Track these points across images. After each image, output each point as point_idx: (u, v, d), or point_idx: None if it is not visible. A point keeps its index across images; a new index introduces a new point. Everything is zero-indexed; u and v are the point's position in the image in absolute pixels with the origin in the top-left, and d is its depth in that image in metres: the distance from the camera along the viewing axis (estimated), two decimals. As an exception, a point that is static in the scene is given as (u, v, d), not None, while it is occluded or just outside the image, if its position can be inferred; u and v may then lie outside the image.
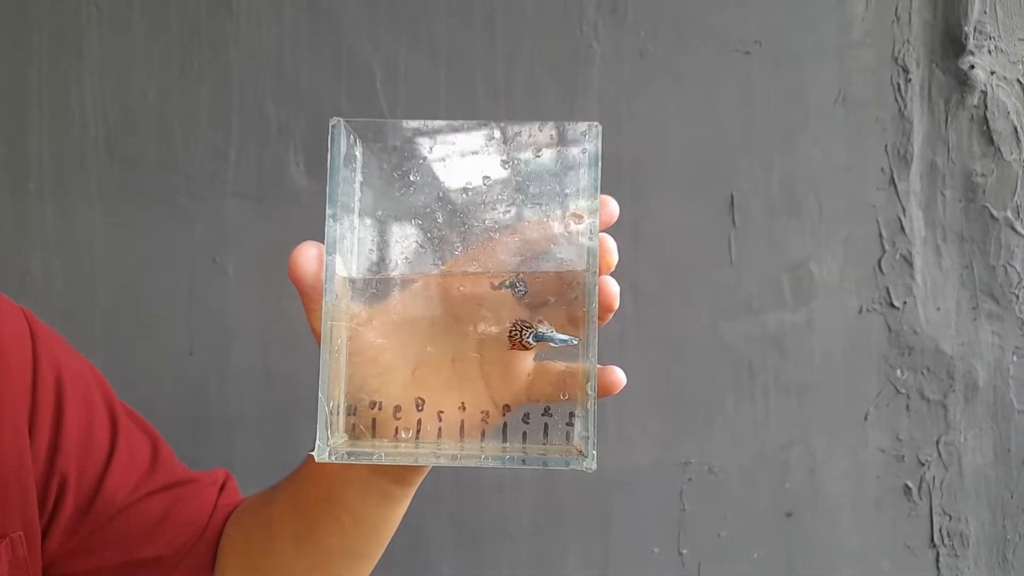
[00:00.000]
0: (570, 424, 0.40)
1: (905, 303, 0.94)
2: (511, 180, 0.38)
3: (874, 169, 0.94)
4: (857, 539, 0.95)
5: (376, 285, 0.40)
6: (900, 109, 0.94)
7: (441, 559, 0.91)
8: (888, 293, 0.95)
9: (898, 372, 0.95)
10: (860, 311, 0.94)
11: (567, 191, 0.39)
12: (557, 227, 0.38)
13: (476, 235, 0.39)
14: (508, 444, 0.40)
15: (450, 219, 0.39)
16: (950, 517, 0.96)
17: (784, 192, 0.94)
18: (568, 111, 0.92)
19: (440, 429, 0.40)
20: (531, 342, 0.39)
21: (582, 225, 0.38)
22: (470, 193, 0.39)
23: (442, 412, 0.40)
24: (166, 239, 0.90)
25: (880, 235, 0.94)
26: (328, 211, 0.39)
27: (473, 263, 0.39)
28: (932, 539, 0.96)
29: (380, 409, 0.40)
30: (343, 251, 0.39)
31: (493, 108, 0.92)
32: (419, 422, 0.40)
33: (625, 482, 0.94)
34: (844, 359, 0.94)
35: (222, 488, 0.60)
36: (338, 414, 0.40)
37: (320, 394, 0.38)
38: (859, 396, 0.94)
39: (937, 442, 0.95)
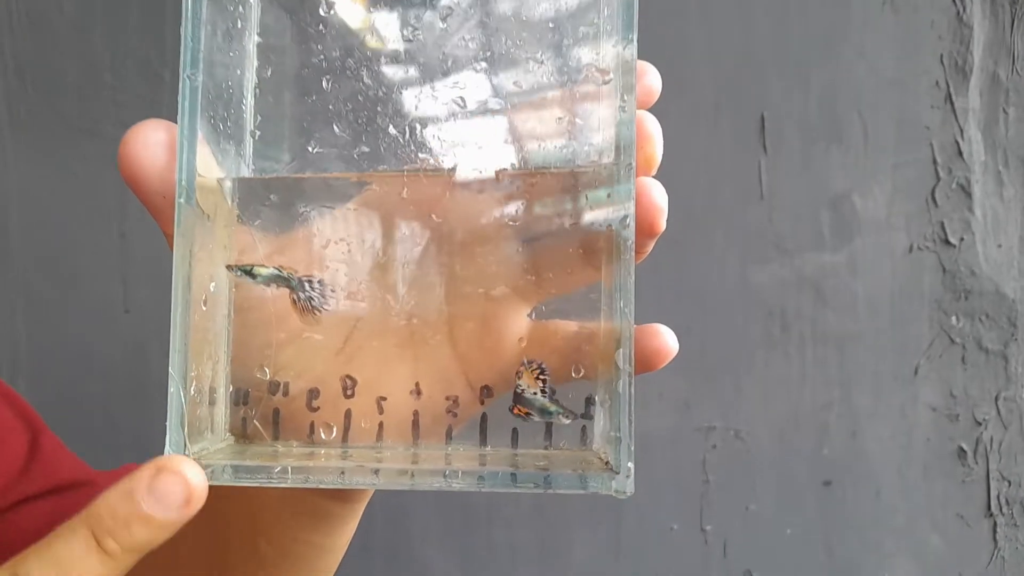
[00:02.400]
0: (587, 416, 0.24)
1: (962, 240, 0.79)
2: (482, 18, 0.22)
3: (927, 84, 0.78)
4: (903, 510, 0.81)
5: (274, 194, 0.24)
6: (958, 12, 0.78)
7: (427, 547, 0.76)
8: (943, 229, 0.79)
9: (953, 319, 0.80)
10: (910, 250, 0.79)
11: (580, 34, 0.22)
12: (564, 95, 0.22)
13: (433, 112, 0.22)
14: (489, 450, 0.24)
15: (386, 84, 0.22)
16: (1009, 483, 0.82)
17: (823, 113, 0.77)
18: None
19: (382, 425, 0.24)
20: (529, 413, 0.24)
21: (607, 87, 0.22)
22: (417, 42, 0.22)
23: (384, 399, 0.24)
24: (92, 176, 0.74)
25: (934, 161, 0.79)
26: (185, 71, 0.22)
27: (426, 155, 0.22)
28: (988, 507, 0.82)
29: (286, 394, 0.24)
30: (211, 135, 0.23)
31: None
32: (348, 415, 0.24)
33: (639, 451, 0.79)
34: (891, 305, 0.79)
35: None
36: (213, 403, 0.24)
37: (172, 371, 0.22)
38: (908, 347, 0.79)
39: (996, 398, 0.80)
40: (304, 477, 0.23)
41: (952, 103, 0.79)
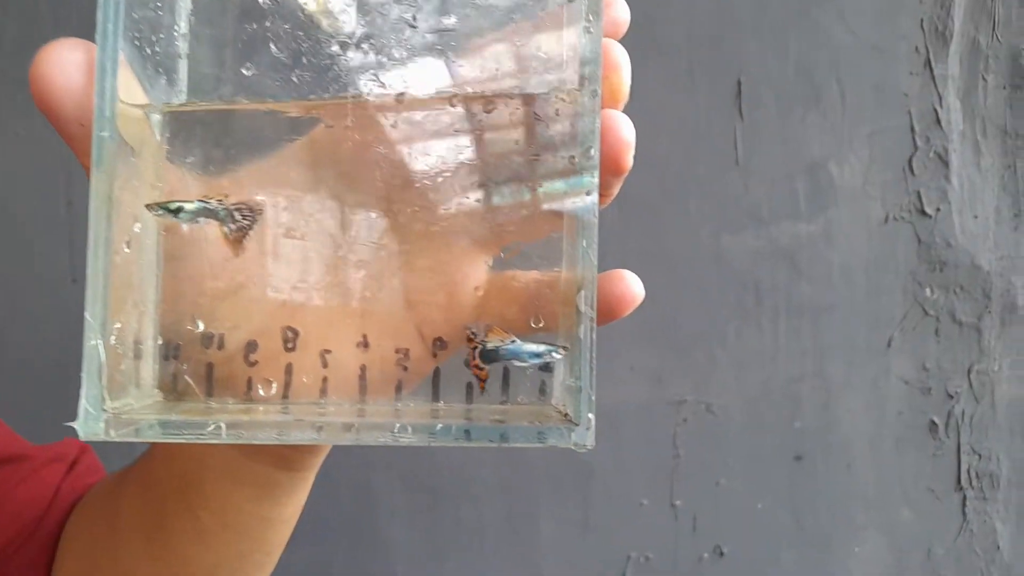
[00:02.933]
0: (547, 369, 0.22)
1: (938, 210, 0.79)
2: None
3: (907, 49, 0.77)
4: (874, 484, 0.81)
5: (207, 127, 0.22)
6: (938, -24, 0.77)
7: (392, 524, 0.75)
8: (919, 198, 0.79)
9: (927, 291, 0.80)
10: (886, 220, 0.78)
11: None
12: (525, 15, 0.20)
13: (380, 31, 0.20)
14: (442, 405, 0.23)
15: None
16: (980, 456, 0.82)
17: (800, 78, 0.76)
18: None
19: (325, 380, 0.23)
20: (481, 363, 0.22)
21: (572, 7, 0.20)
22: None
23: (328, 351, 0.23)
24: (35, 139, 0.71)
25: (912, 129, 0.78)
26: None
27: (373, 80, 0.20)
28: (959, 481, 0.82)
29: (221, 348, 0.23)
30: (136, 59, 0.21)
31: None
32: (289, 368, 0.23)
33: (608, 425, 0.78)
34: (866, 276, 0.79)
35: (71, 466, 0.42)
36: (139, 356, 0.22)
37: (88, 317, 0.20)
38: (882, 319, 0.79)
39: (969, 371, 0.80)
40: (238, 433, 0.21)
41: (931, 69, 0.78)
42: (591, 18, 0.20)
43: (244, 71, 0.22)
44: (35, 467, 0.41)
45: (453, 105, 0.20)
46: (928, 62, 0.78)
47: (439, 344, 0.23)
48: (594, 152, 0.20)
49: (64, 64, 0.21)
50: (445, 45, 0.21)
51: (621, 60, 0.22)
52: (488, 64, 0.21)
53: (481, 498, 0.77)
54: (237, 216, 0.21)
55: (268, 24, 0.22)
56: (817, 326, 0.79)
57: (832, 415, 0.80)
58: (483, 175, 0.21)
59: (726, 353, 0.79)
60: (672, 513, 0.80)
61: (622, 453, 0.79)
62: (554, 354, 0.22)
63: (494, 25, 0.21)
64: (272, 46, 0.22)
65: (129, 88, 0.21)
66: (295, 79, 0.21)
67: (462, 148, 0.21)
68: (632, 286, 0.22)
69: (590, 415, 0.20)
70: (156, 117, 0.22)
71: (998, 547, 0.82)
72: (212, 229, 0.23)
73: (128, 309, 0.21)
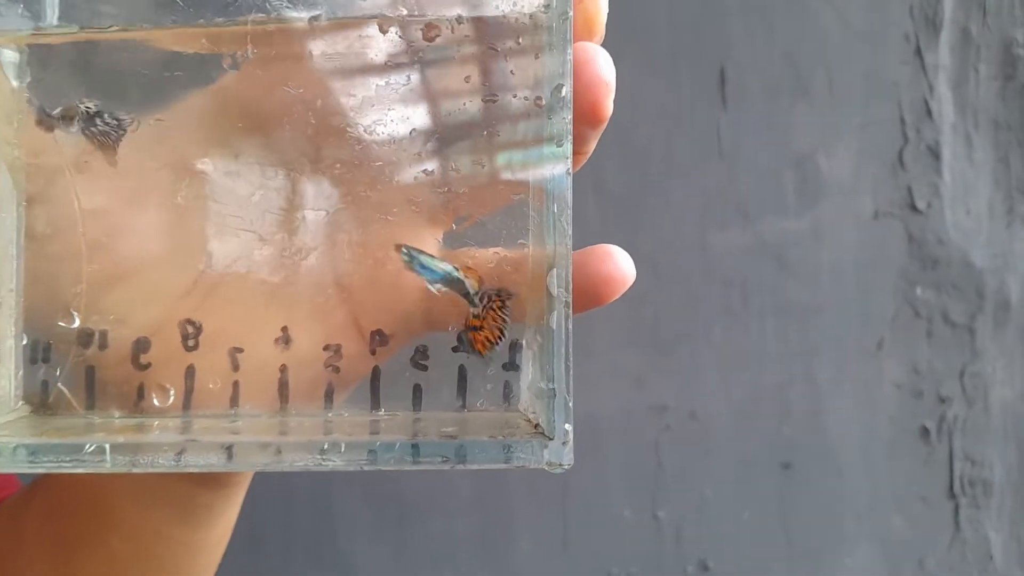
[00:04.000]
0: (512, 367, 0.18)
1: (929, 205, 0.76)
2: None
3: (897, 37, 0.74)
4: (865, 492, 0.78)
5: (80, 66, 0.17)
6: (929, -39, 0.75)
7: (355, 541, 0.70)
8: (910, 193, 0.76)
9: (918, 290, 0.77)
10: (875, 216, 0.75)
11: None
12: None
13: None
14: (383, 415, 0.18)
15: None
16: (972, 462, 0.79)
17: (787, 66, 0.73)
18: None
19: (237, 385, 0.18)
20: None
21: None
22: None
23: (239, 350, 0.18)
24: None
25: (902, 121, 0.75)
26: None
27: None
28: (951, 489, 0.80)
29: (104, 347, 0.18)
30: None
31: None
32: (191, 373, 0.18)
33: (586, 432, 0.74)
34: (856, 275, 0.76)
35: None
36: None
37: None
38: (872, 320, 0.76)
39: (961, 374, 0.77)
40: (129, 459, 0.17)
41: (922, 58, 0.76)
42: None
43: None
44: None
45: (384, 31, 0.16)
46: (918, 51, 0.75)
47: (378, 338, 0.19)
48: (566, 91, 0.15)
49: None
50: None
51: None
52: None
53: (452, 512, 0.73)
54: (100, 123, 0.17)
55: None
56: (805, 327, 0.76)
57: (821, 421, 0.77)
58: (426, 123, 0.17)
59: (711, 355, 0.75)
60: (655, 525, 0.76)
61: (601, 462, 0.75)
62: (453, 274, 0.17)
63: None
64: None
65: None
66: (180, 2, 0.17)
67: (398, 88, 0.16)
68: (621, 264, 0.18)
69: (567, 427, 0.15)
70: (10, 58, 0.18)
71: (991, 557, 0.80)
72: (80, 190, 0.18)
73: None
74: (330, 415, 0.18)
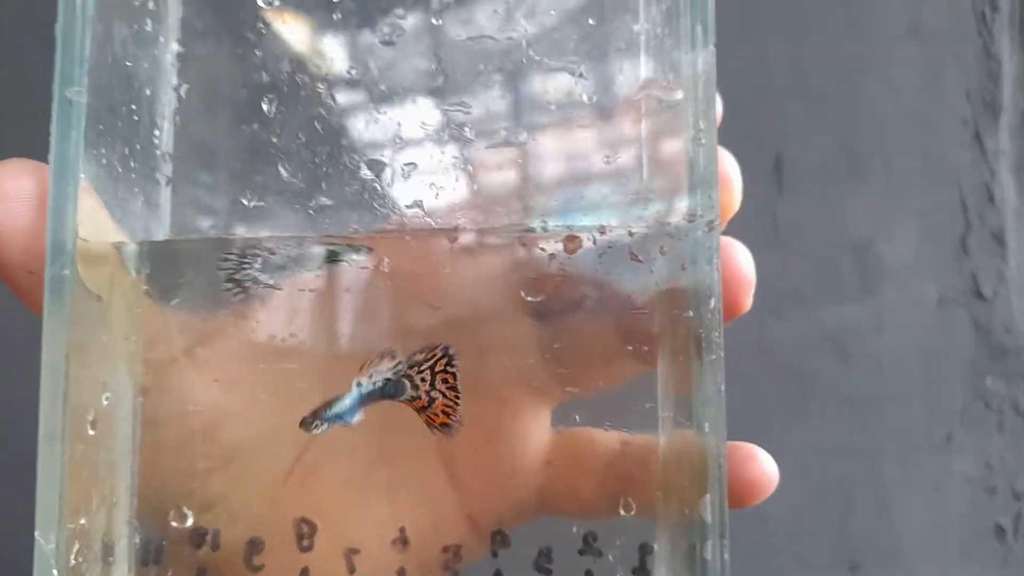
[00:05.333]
0: (642, 572, 0.17)
1: (996, 293, 0.74)
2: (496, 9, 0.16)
3: (954, 121, 0.74)
4: (938, 596, 0.75)
5: (198, 263, 0.17)
6: (985, 45, 0.74)
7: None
8: (974, 280, 0.75)
9: (988, 381, 0.75)
10: (940, 303, 0.74)
11: (628, 37, 0.16)
12: (610, 122, 0.16)
13: (422, 142, 0.16)
14: (507, 622, 0.18)
15: (355, 109, 0.16)
16: (1052, 563, 0.76)
17: (843, 150, 0.73)
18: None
19: (353, 589, 0.18)
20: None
21: (673, 111, 0.15)
22: (400, 45, 0.16)
23: (355, 551, 0.18)
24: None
25: (963, 206, 0.75)
26: (64, 86, 0.16)
27: (415, 210, 0.16)
28: (1031, 591, 0.77)
29: (216, 548, 0.18)
30: (104, 180, 0.16)
31: None
32: (305, 574, 0.18)
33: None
34: (921, 365, 0.74)
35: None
36: (110, 563, 0.17)
37: (39, 535, 0.15)
38: (940, 412, 0.74)
39: (1036, 468, 0.75)
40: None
41: (981, 143, 0.75)
42: (702, 124, 0.16)
43: (244, 195, 0.18)
44: None
45: (524, 244, 0.15)
46: (977, 135, 0.75)
47: (500, 539, 0.18)
48: (715, 303, 0.15)
49: (8, 196, 0.16)
50: (509, 161, 0.17)
51: (732, 173, 0.17)
52: (567, 181, 0.17)
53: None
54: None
55: (275, 137, 0.17)
56: (869, 419, 0.74)
57: (889, 519, 0.74)
58: (558, 332, 0.16)
59: (771, 450, 0.73)
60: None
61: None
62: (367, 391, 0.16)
63: (570, 134, 0.17)
64: (282, 168, 0.17)
65: (93, 218, 0.17)
66: (310, 208, 0.17)
67: (531, 296, 0.16)
68: (766, 467, 0.17)
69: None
70: (131, 250, 0.18)
71: (1074, 663, 0.76)
72: (189, 384, 0.18)
73: (92, 505, 0.16)
74: (450, 622, 0.18)
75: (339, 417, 0.17)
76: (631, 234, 0.16)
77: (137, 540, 0.18)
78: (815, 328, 0.73)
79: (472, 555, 0.18)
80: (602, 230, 0.15)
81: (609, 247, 0.15)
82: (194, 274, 0.18)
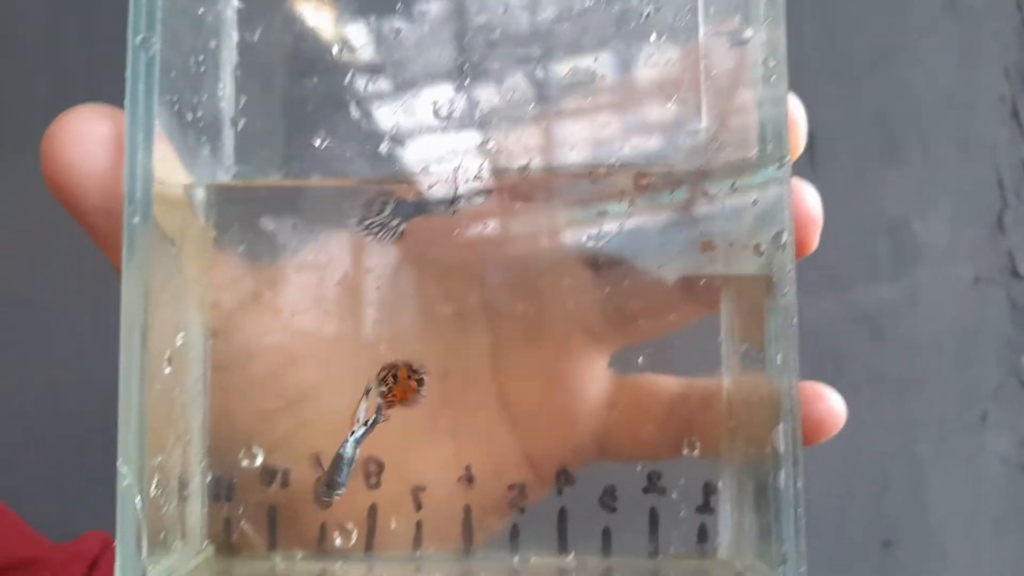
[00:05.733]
0: (706, 510, 0.17)
1: (1032, 271, 0.74)
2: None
3: (991, 98, 0.73)
4: (971, 572, 0.75)
5: (266, 208, 0.18)
6: (1023, 20, 0.73)
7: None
8: (1011, 259, 0.74)
9: (1023, 360, 0.74)
10: (975, 282, 0.73)
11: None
12: (680, 61, 0.16)
13: (494, 80, 0.16)
14: (572, 560, 0.18)
15: (427, 47, 0.16)
16: (1088, 543, 0.75)
17: (878, 129, 0.72)
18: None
19: (420, 526, 0.18)
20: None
21: (742, 49, 0.15)
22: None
23: (422, 489, 0.18)
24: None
25: (1000, 184, 0.73)
26: (136, 36, 0.16)
27: (487, 148, 0.16)
28: (1066, 571, 0.76)
29: (286, 485, 0.18)
30: (175, 127, 0.17)
31: None
32: (373, 512, 0.18)
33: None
34: (956, 344, 0.74)
35: (92, 566, 0.37)
36: (185, 498, 0.17)
37: (122, 465, 0.15)
38: (975, 391, 0.73)
39: (1072, 448, 0.74)
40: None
41: (1019, 120, 0.74)
42: (772, 64, 0.16)
43: (314, 137, 0.18)
44: (53, 570, 0.36)
45: (594, 180, 0.16)
46: (1015, 112, 0.74)
47: (564, 477, 0.18)
48: (786, 237, 0.15)
49: (85, 139, 0.17)
50: (579, 97, 0.17)
51: (798, 116, 0.17)
52: (636, 119, 0.17)
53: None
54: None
55: (345, 80, 0.18)
56: (904, 399, 0.73)
57: (923, 497, 0.73)
58: (630, 268, 0.16)
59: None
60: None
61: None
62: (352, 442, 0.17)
63: (639, 73, 0.17)
64: (351, 109, 0.17)
65: (166, 163, 0.17)
66: (382, 149, 0.17)
67: (605, 233, 0.16)
68: (833, 405, 0.17)
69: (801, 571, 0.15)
70: (199, 195, 0.18)
71: (1110, 644, 0.75)
72: (259, 326, 0.18)
73: (170, 442, 0.17)
74: (516, 559, 0.18)
75: (348, 470, 0.18)
76: (702, 171, 0.16)
77: (209, 478, 0.18)
78: (849, 307, 0.72)
79: (537, 494, 0.19)
80: (672, 168, 0.15)
81: (680, 184, 0.15)
82: (261, 218, 0.18)
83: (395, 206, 0.16)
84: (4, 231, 0.70)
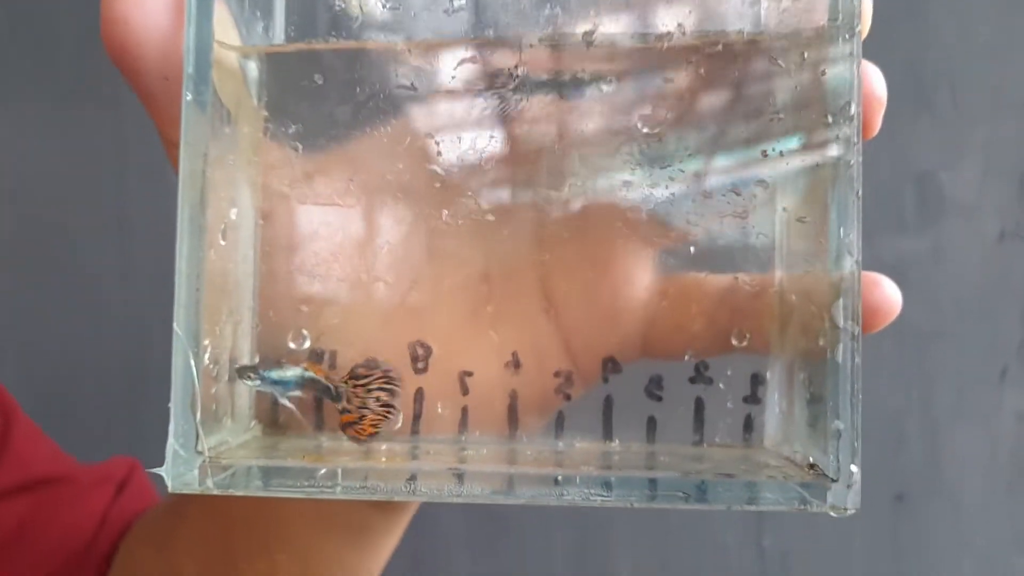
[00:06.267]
0: (753, 400, 0.17)
1: (1059, 227, 0.73)
2: None
3: (1023, 49, 0.71)
4: (984, 528, 0.75)
5: (319, 77, 0.17)
6: (1061, -30, 0.71)
7: (452, 551, 0.70)
8: (1038, 214, 0.73)
9: (1046, 317, 0.74)
10: (1001, 237, 0.72)
11: None
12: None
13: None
14: (617, 446, 0.18)
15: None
16: (1102, 501, 0.75)
17: (908, 79, 0.70)
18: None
19: (466, 411, 0.18)
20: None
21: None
22: None
23: (469, 374, 0.18)
24: (91, 141, 0.68)
25: (1030, 137, 0.72)
26: None
27: (553, 12, 0.16)
28: (1078, 529, 0.76)
29: (333, 367, 0.18)
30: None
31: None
32: (420, 396, 0.18)
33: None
34: (978, 299, 0.73)
35: (120, 488, 0.38)
36: (234, 378, 0.17)
37: (177, 329, 0.15)
38: (995, 346, 0.73)
39: (1091, 406, 0.74)
40: (361, 484, 0.17)
41: (1053, 72, 0.72)
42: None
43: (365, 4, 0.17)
44: (81, 489, 0.37)
45: (662, 47, 0.15)
46: (1050, 63, 0.72)
47: (611, 365, 0.18)
48: (854, 109, 0.15)
49: (146, 1, 0.16)
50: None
51: (880, 92, 0.17)
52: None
53: (551, 530, 0.72)
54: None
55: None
56: (924, 353, 0.73)
57: (938, 452, 0.73)
58: (682, 138, 0.16)
59: (821, 380, 0.73)
60: (759, 553, 0.74)
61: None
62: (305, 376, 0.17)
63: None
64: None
65: (224, 28, 0.17)
66: (445, 11, 0.16)
67: (674, 104, 0.16)
68: (889, 293, 0.17)
69: (853, 467, 0.14)
70: (253, 74, 0.18)
71: (1119, 602, 0.75)
72: (323, 215, 0.18)
73: (222, 318, 0.17)
74: (561, 444, 0.18)
75: (274, 384, 0.17)
76: (773, 40, 0.15)
77: (257, 358, 0.18)
78: (872, 258, 0.71)
79: (584, 382, 0.18)
80: (741, 33, 0.15)
81: (748, 50, 0.15)
82: (313, 95, 0.18)
83: (521, 81, 0.16)
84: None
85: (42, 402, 0.39)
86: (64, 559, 0.35)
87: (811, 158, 0.15)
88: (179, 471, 0.15)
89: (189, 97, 0.16)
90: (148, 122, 0.19)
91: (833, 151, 0.15)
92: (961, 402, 0.73)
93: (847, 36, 0.14)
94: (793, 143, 0.15)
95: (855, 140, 0.15)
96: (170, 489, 0.16)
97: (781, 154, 0.15)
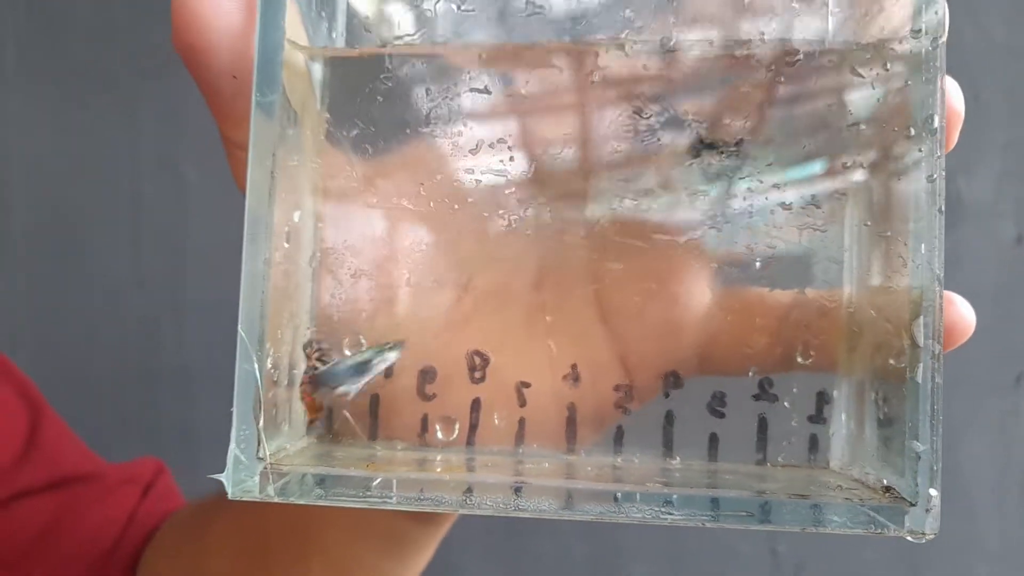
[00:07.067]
0: (818, 420, 0.17)
1: (1077, 232, 0.73)
2: None
3: (1044, 53, 0.71)
4: (998, 535, 0.75)
5: (381, 82, 0.17)
6: (1081, -28, 0.71)
7: (465, 555, 0.70)
8: (1055, 218, 0.73)
9: (1062, 322, 0.74)
10: (1018, 240, 0.72)
11: None
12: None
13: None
14: (677, 463, 0.17)
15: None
16: (1116, 508, 0.75)
17: (926, 81, 0.71)
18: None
19: (523, 423, 0.18)
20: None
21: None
22: None
23: (527, 385, 0.18)
24: (105, 133, 0.67)
25: (1049, 141, 0.72)
26: None
27: (629, 17, 0.15)
28: (1092, 536, 0.76)
29: (389, 375, 0.18)
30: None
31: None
32: (476, 406, 0.18)
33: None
34: (994, 303, 0.73)
35: (147, 489, 0.38)
36: (292, 383, 0.17)
37: (242, 332, 0.15)
38: (1011, 352, 0.72)
39: (1106, 413, 0.74)
40: (416, 496, 0.16)
41: (1071, 76, 0.72)
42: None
43: (455, 4, 0.17)
44: (108, 488, 0.36)
45: (737, 56, 0.15)
46: (1068, 67, 0.72)
47: (673, 380, 0.18)
48: (938, 122, 0.14)
49: None
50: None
51: (959, 107, 0.17)
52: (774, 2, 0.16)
53: (564, 533, 0.72)
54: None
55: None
56: (938, 357, 0.73)
57: (952, 458, 0.73)
58: (768, 149, 0.16)
59: (836, 384, 0.73)
60: (773, 561, 0.73)
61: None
62: (388, 354, 0.16)
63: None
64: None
65: (293, 28, 0.16)
66: (522, 14, 0.16)
67: (752, 114, 0.15)
68: (963, 312, 0.17)
69: (933, 491, 0.14)
70: (317, 76, 0.17)
71: None
72: (382, 219, 0.18)
73: (283, 322, 0.16)
74: (619, 459, 0.18)
75: (354, 374, 0.17)
76: (855, 50, 0.15)
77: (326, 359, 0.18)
78: (888, 263, 0.72)
79: (643, 396, 0.18)
80: (823, 44, 0.15)
81: (829, 61, 0.15)
82: (383, 92, 0.17)
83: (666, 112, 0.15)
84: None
85: (54, 400, 0.39)
86: (92, 558, 0.35)
87: (890, 171, 0.15)
88: (240, 477, 0.15)
89: (260, 99, 0.16)
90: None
91: (914, 164, 0.14)
92: (975, 408, 0.73)
93: (931, 48, 0.14)
94: (872, 156, 0.15)
95: (938, 154, 0.14)
96: (229, 496, 0.15)
97: (861, 166, 0.15)
